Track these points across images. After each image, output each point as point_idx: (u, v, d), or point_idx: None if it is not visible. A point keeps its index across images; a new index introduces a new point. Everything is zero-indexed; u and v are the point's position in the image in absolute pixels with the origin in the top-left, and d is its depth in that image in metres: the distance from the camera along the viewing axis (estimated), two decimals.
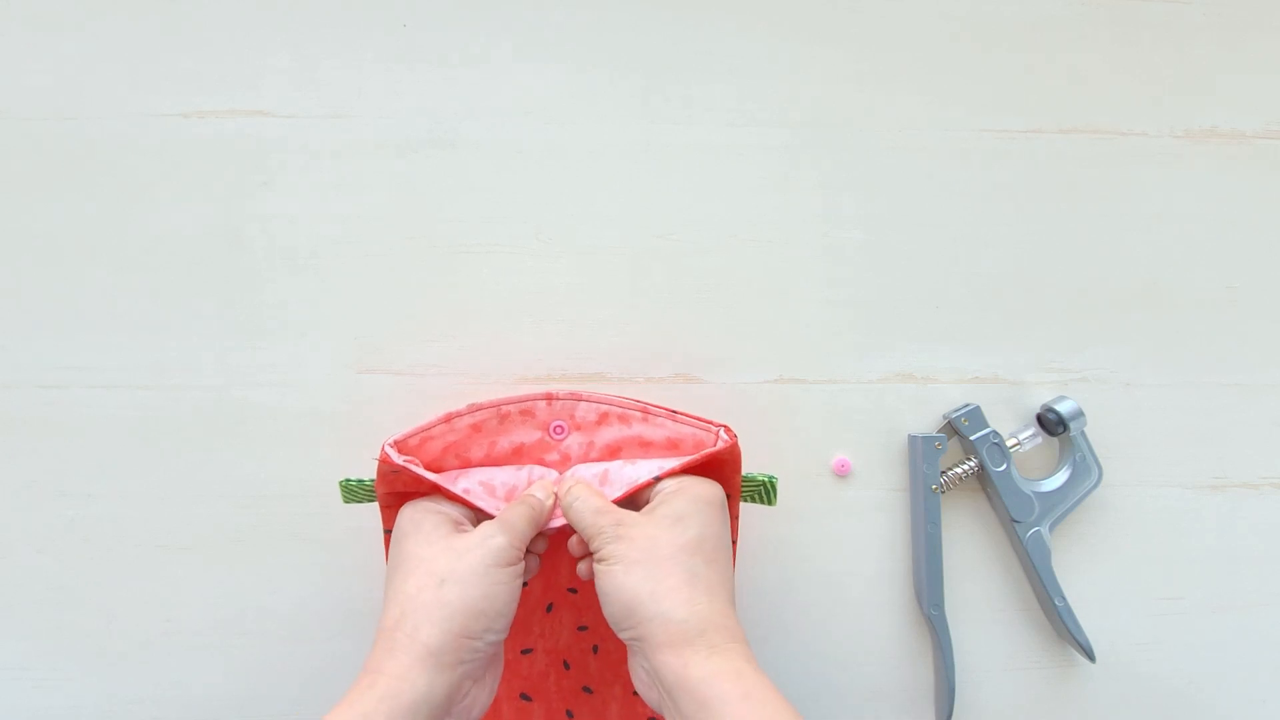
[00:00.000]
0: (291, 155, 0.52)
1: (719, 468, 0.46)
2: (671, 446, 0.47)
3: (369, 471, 0.46)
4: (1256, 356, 0.55)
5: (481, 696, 0.40)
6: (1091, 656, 0.52)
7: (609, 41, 0.53)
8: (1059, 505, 0.52)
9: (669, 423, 0.47)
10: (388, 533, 0.45)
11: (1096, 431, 0.53)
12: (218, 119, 0.51)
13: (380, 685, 0.36)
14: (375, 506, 0.47)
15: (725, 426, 0.46)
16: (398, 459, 0.42)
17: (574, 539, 0.44)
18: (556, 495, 0.44)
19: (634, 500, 0.44)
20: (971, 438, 0.52)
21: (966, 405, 0.52)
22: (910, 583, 0.53)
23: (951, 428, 0.53)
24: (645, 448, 0.47)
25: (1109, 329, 0.55)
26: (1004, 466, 0.52)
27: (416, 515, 0.42)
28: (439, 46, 0.52)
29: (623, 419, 0.47)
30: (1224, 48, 0.55)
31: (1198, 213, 0.55)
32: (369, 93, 0.52)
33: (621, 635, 0.40)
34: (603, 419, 0.47)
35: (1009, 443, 0.52)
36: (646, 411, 0.47)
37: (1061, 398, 0.53)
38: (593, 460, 0.47)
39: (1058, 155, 0.54)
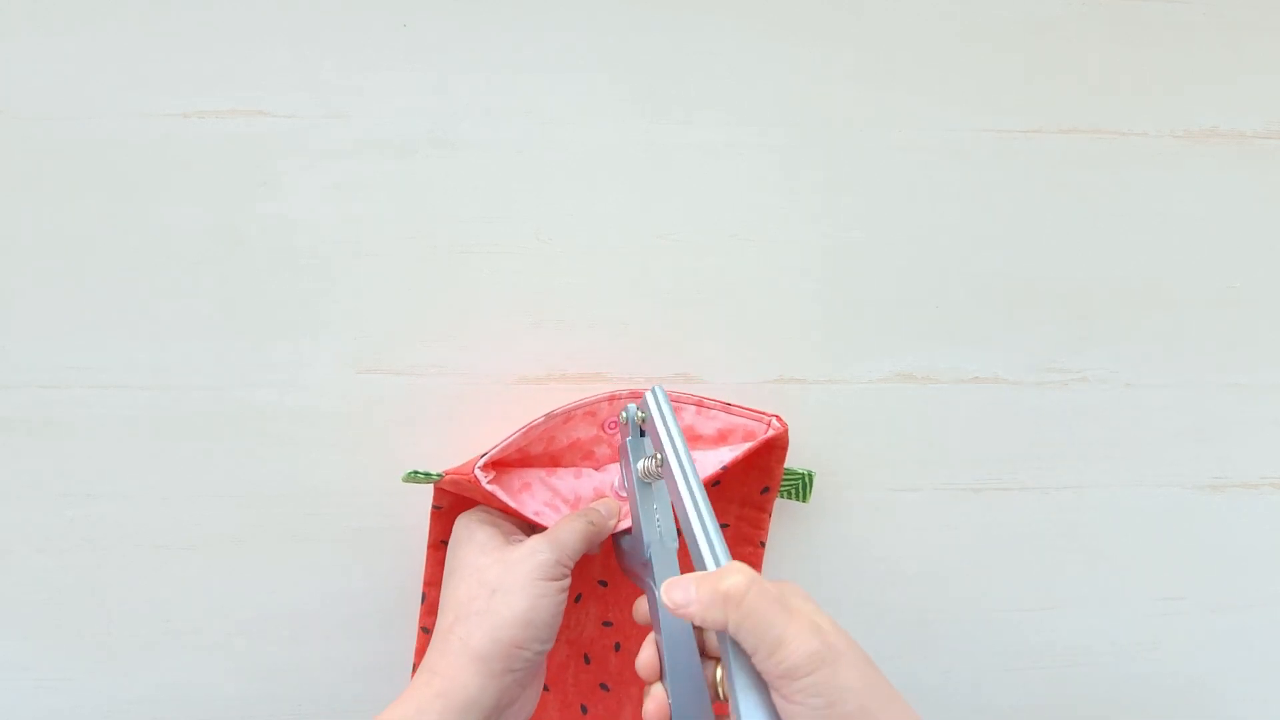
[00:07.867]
0: (291, 155, 0.52)
1: (768, 455, 0.48)
2: (721, 439, 0.48)
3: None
4: (1256, 356, 0.55)
5: (529, 703, 0.42)
6: None
7: (609, 41, 0.53)
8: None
9: (722, 415, 0.48)
10: (434, 545, 0.47)
11: (1097, 431, 0.53)
12: (218, 119, 0.51)
13: (436, 684, 0.38)
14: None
15: (777, 416, 0.48)
16: (485, 483, 0.43)
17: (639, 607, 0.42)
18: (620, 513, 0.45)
19: None
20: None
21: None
22: (910, 582, 0.53)
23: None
24: (694, 441, 0.48)
25: (1109, 329, 0.55)
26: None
27: (471, 524, 0.44)
28: (439, 46, 0.52)
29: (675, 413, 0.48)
30: (1224, 48, 0.55)
31: (1198, 213, 0.55)
32: (369, 93, 0.52)
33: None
34: None
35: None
36: (700, 404, 0.48)
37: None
38: None
39: (1058, 155, 0.54)
